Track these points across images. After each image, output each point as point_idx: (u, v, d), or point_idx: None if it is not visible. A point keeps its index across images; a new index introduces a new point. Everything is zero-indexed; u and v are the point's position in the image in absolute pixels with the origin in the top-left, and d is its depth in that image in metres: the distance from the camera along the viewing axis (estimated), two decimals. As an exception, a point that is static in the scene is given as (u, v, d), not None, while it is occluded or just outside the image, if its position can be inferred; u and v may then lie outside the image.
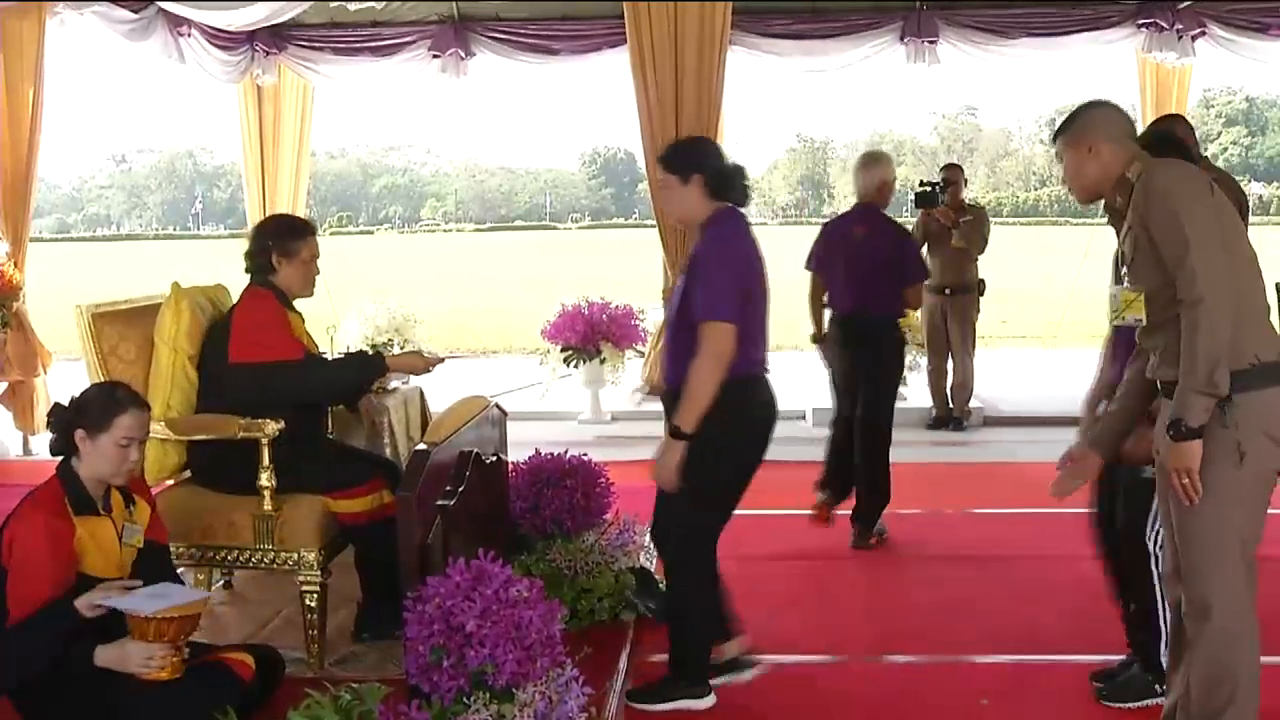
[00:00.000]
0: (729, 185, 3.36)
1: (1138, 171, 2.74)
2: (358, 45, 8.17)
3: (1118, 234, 2.90)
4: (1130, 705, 3.30)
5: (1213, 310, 2.53)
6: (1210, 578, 2.67)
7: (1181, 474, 2.61)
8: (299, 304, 4.03)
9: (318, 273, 3.98)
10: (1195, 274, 2.55)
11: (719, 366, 3.15)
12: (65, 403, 2.97)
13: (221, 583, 4.33)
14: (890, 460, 5.04)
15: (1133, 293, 2.77)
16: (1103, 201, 2.93)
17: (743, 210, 3.43)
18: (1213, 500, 2.62)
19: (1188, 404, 2.57)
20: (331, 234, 59.70)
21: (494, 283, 25.31)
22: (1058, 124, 2.95)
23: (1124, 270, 2.84)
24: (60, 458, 2.94)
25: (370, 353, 4.41)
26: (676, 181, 3.34)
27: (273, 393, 3.64)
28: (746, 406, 3.29)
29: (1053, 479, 3.05)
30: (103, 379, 3.71)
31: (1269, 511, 2.73)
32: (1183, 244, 2.58)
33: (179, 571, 3.47)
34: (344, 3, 7.09)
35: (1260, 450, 2.63)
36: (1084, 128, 2.85)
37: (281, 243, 3.87)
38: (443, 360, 4.24)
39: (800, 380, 9.16)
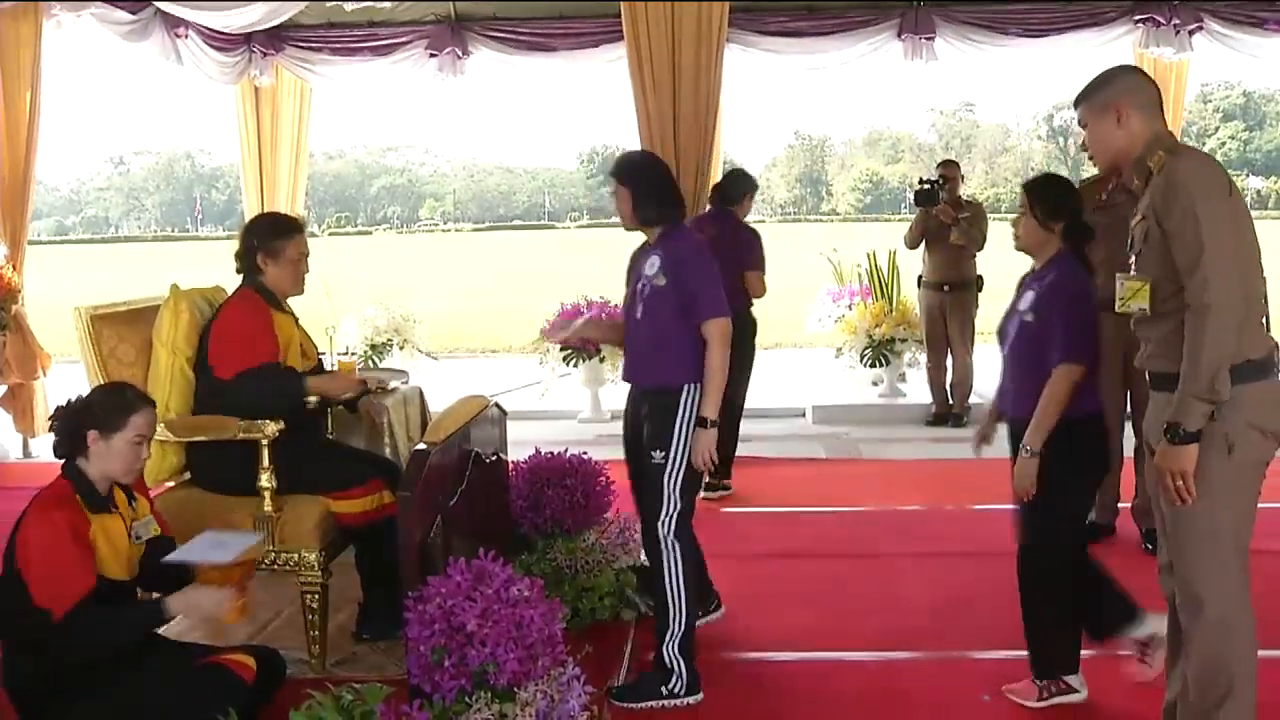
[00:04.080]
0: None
1: (1160, 163, 2.67)
2: (355, 45, 8.17)
3: (1127, 215, 2.85)
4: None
5: (1220, 318, 2.52)
6: (1202, 570, 2.67)
7: (1176, 476, 2.61)
8: (296, 302, 4.03)
9: (307, 270, 3.94)
10: (1207, 280, 2.52)
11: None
12: (69, 404, 2.97)
13: (222, 584, 4.33)
14: None
15: (1138, 281, 2.73)
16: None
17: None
18: (1203, 493, 2.61)
19: (1187, 409, 2.56)
20: (330, 235, 59.64)
21: (493, 282, 25.29)
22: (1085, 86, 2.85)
23: (1131, 258, 2.79)
24: (63, 460, 2.94)
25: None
26: None
27: (232, 405, 3.65)
28: None
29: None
30: (103, 381, 3.72)
31: (1261, 505, 2.73)
32: (1198, 248, 2.54)
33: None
34: (341, 3, 7.09)
35: (1248, 442, 2.63)
36: (1113, 93, 2.77)
37: (267, 243, 3.85)
38: (369, 390, 4.08)
39: (800, 378, 9.19)
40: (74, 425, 2.91)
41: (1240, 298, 2.56)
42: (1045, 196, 3.36)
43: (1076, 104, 2.88)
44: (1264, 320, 2.70)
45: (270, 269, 3.85)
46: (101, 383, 3.62)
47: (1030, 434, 3.19)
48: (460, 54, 8.04)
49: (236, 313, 3.81)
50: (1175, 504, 2.64)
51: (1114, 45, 7.88)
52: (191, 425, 3.74)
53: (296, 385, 3.76)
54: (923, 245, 7.46)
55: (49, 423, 3.00)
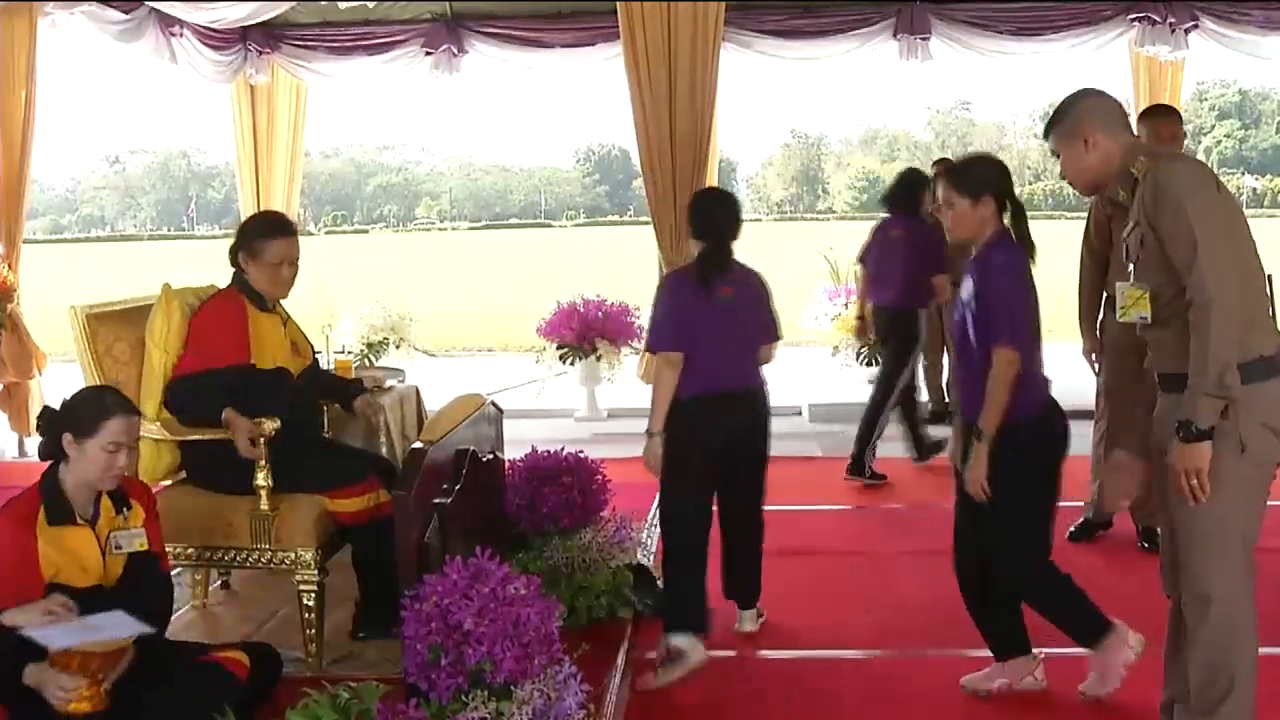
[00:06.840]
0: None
1: (1144, 169, 2.70)
2: (350, 44, 8.16)
3: (1118, 227, 2.88)
4: None
5: (1223, 312, 2.52)
6: (1210, 569, 2.68)
7: (1190, 474, 2.60)
8: (293, 301, 4.01)
9: (294, 273, 3.88)
10: (1205, 276, 2.53)
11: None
12: (55, 406, 2.93)
13: (219, 583, 4.33)
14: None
15: (1138, 290, 2.74)
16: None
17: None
18: (1215, 493, 2.61)
19: (1198, 406, 2.56)
20: (326, 233, 59.66)
21: (489, 281, 25.29)
22: (1050, 117, 2.92)
23: (1129, 267, 2.81)
24: (48, 463, 2.89)
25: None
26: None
27: (202, 405, 3.63)
28: None
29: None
30: (98, 380, 3.72)
31: (1268, 503, 2.74)
32: (1191, 245, 2.55)
33: (175, 572, 3.47)
34: (335, 1, 7.08)
35: (1260, 441, 2.63)
36: (1078, 120, 2.82)
37: (249, 242, 3.82)
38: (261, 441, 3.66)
39: (797, 376, 9.20)
40: (52, 427, 2.86)
41: (1241, 291, 2.56)
42: None
43: (1045, 135, 2.92)
44: (1271, 316, 2.71)
45: (251, 269, 3.82)
46: (87, 385, 3.59)
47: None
48: (456, 52, 8.04)
49: (207, 314, 3.80)
50: (1190, 503, 2.63)
51: (1110, 44, 7.89)
52: (188, 424, 3.73)
53: (212, 408, 3.62)
54: (918, 243, 7.45)
55: (37, 424, 2.94)
